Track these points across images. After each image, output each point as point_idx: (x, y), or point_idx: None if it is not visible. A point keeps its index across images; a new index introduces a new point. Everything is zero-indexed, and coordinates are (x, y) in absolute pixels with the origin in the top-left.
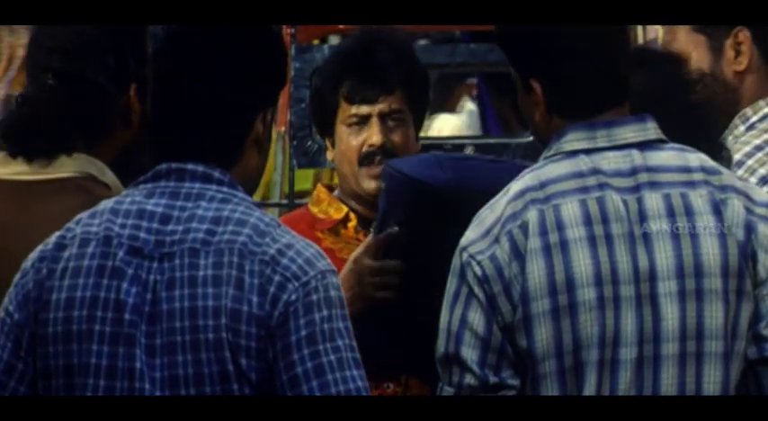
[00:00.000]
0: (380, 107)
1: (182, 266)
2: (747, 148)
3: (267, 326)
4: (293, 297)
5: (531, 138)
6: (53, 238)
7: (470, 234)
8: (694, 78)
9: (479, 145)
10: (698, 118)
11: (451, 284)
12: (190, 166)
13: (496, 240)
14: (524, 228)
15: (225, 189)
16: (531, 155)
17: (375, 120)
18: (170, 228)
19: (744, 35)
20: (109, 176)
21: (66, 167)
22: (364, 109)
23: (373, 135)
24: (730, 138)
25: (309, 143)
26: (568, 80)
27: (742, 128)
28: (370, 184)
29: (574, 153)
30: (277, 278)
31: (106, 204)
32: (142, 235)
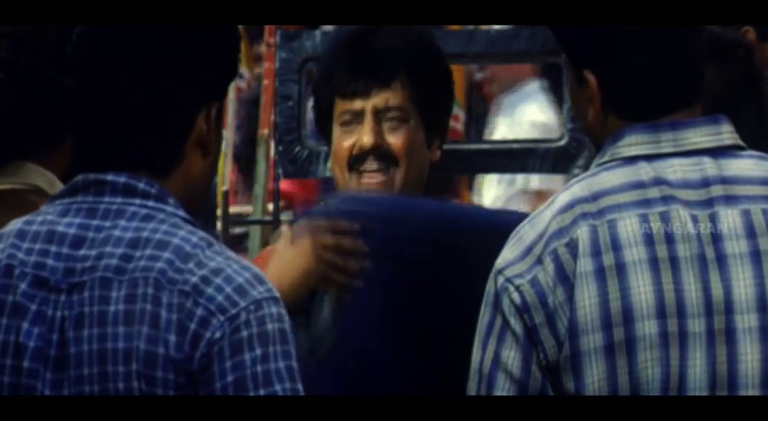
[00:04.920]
0: (374, 102)
1: (92, 300)
2: None
3: (187, 371)
4: (218, 334)
5: (561, 143)
6: None
7: (507, 254)
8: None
9: (502, 150)
10: None
11: (484, 315)
12: (110, 177)
13: (539, 261)
14: (573, 247)
15: (150, 203)
16: (562, 162)
17: (368, 118)
18: (82, 252)
19: None
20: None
21: (10, 178)
22: (357, 104)
23: (364, 135)
24: None
25: (298, 149)
26: (630, 74)
27: None
28: None
29: (633, 159)
30: (199, 312)
31: (14, 225)
32: (50, 262)
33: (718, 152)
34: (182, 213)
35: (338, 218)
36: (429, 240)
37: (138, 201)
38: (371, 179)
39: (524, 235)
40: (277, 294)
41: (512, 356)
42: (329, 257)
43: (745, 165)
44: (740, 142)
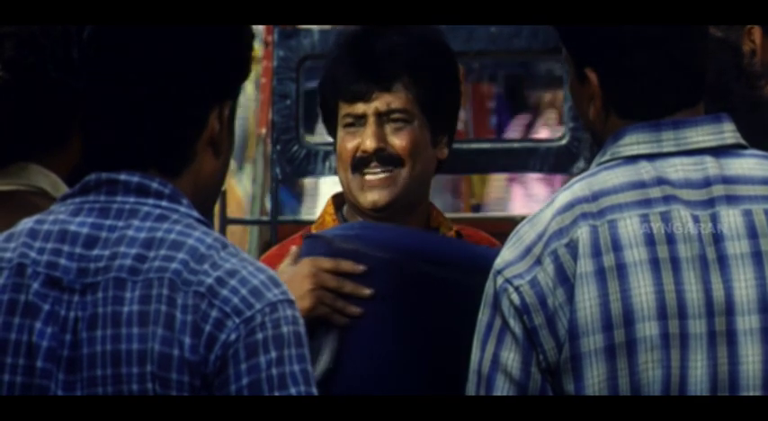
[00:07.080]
0: (376, 105)
1: (105, 300)
2: None
3: (202, 373)
4: (233, 336)
5: (562, 143)
6: None
7: (507, 254)
8: (757, 71)
9: (503, 149)
10: (762, 117)
11: (483, 315)
12: (123, 177)
13: (538, 262)
14: (573, 247)
15: (164, 203)
16: (563, 161)
17: (370, 121)
18: (95, 252)
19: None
20: (63, 192)
21: (12, 179)
22: (359, 107)
23: (366, 138)
24: None
25: (296, 148)
26: (632, 72)
27: None
28: (364, 197)
29: (633, 158)
30: (214, 314)
31: (25, 224)
32: (62, 262)
33: (719, 151)
34: (195, 214)
35: (345, 250)
36: (443, 277)
37: (151, 201)
38: (374, 177)
39: (524, 235)
40: (292, 297)
41: (511, 358)
42: (329, 300)
43: (746, 164)
44: (742, 141)
